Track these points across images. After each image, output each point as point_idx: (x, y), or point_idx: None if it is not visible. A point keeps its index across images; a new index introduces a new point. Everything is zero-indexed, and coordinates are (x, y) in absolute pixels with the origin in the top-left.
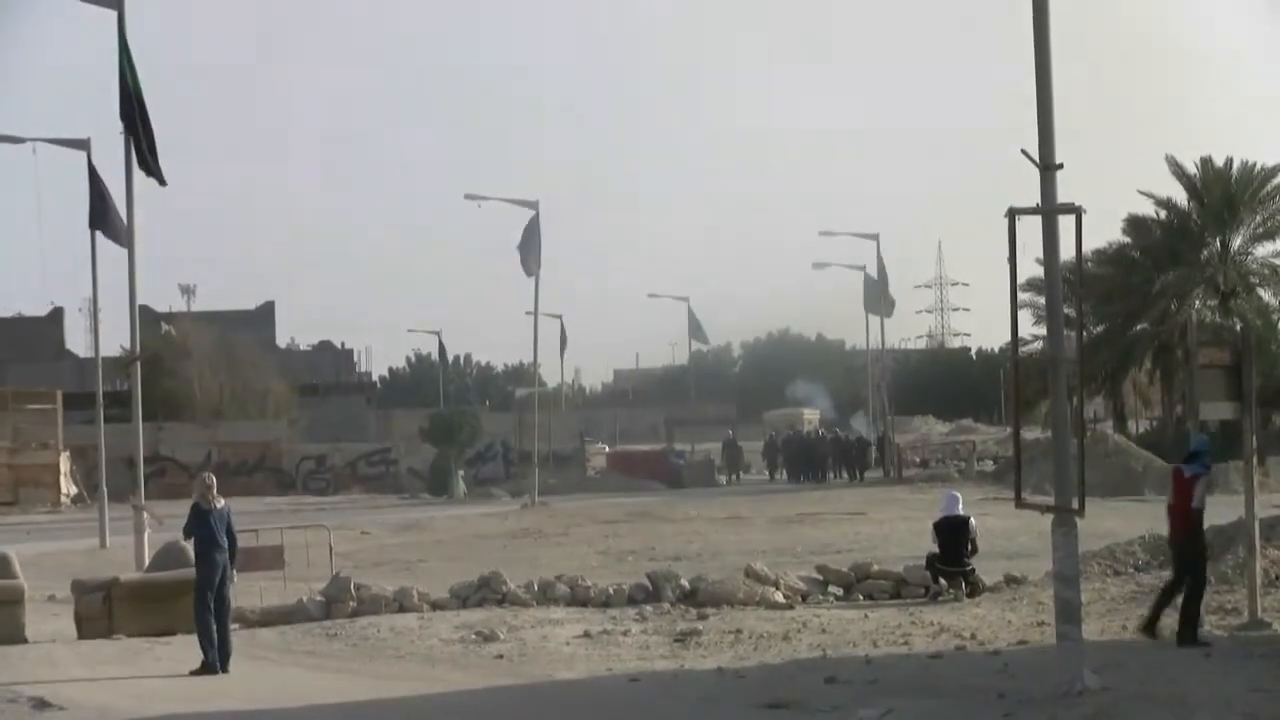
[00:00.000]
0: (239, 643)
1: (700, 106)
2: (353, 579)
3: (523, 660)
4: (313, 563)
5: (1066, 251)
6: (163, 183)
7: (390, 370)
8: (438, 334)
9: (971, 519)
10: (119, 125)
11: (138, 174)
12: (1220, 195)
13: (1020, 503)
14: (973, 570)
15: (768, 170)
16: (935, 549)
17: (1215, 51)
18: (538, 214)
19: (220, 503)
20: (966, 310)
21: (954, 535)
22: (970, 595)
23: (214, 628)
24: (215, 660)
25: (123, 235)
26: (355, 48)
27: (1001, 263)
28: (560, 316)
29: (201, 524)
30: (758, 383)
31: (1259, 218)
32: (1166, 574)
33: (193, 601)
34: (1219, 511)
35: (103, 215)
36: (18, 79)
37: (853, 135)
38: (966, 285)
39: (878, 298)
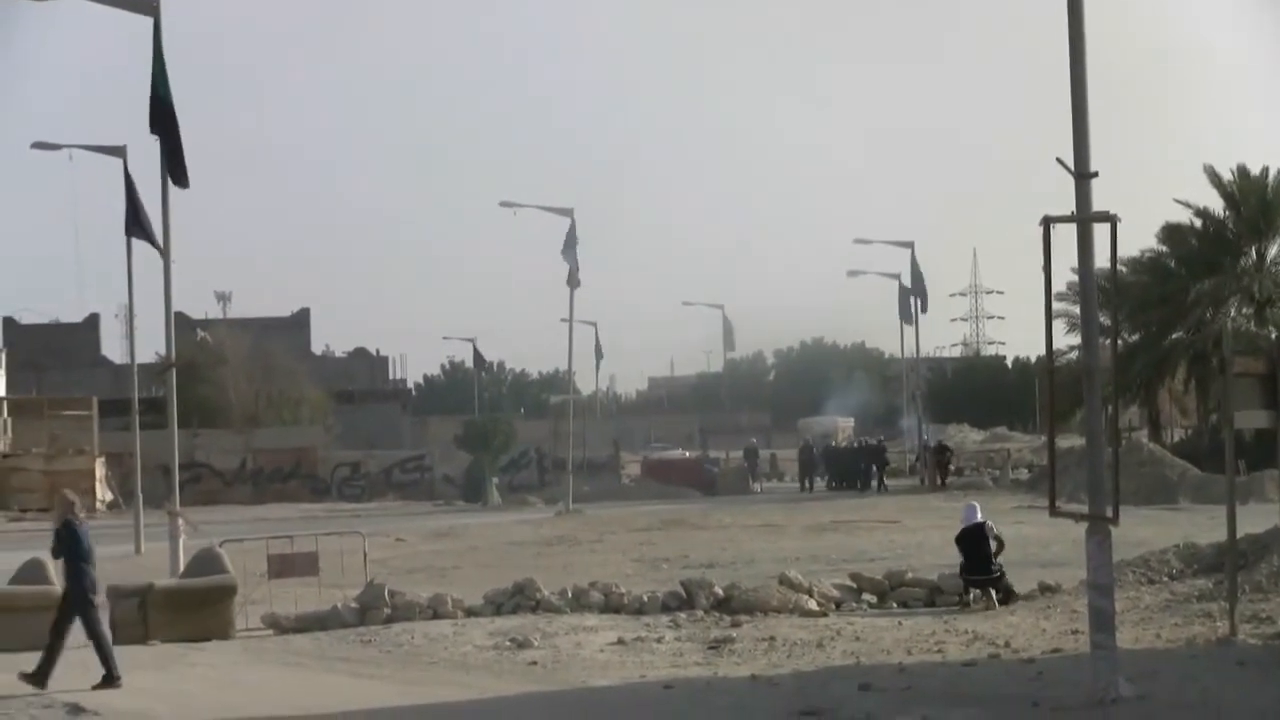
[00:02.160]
0: (274, 649)
1: (736, 114)
2: (387, 586)
3: (556, 667)
4: (347, 569)
5: (1102, 260)
6: (186, 186)
7: (425, 378)
8: (473, 341)
9: (987, 522)
10: (151, 131)
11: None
12: (1256, 204)
13: (1055, 511)
14: (1002, 575)
15: (802, 178)
16: (963, 561)
17: (1253, 57)
18: (574, 221)
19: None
20: (1001, 318)
21: (976, 544)
22: (1004, 602)
23: (107, 637)
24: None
25: (156, 240)
26: (392, 57)
27: (1037, 271)
28: (595, 324)
29: (77, 540)
30: (792, 391)
31: None
32: (1200, 582)
33: (83, 619)
34: (1253, 520)
35: (137, 221)
36: (55, 85)
37: (888, 143)
38: (1001, 293)
39: (911, 304)
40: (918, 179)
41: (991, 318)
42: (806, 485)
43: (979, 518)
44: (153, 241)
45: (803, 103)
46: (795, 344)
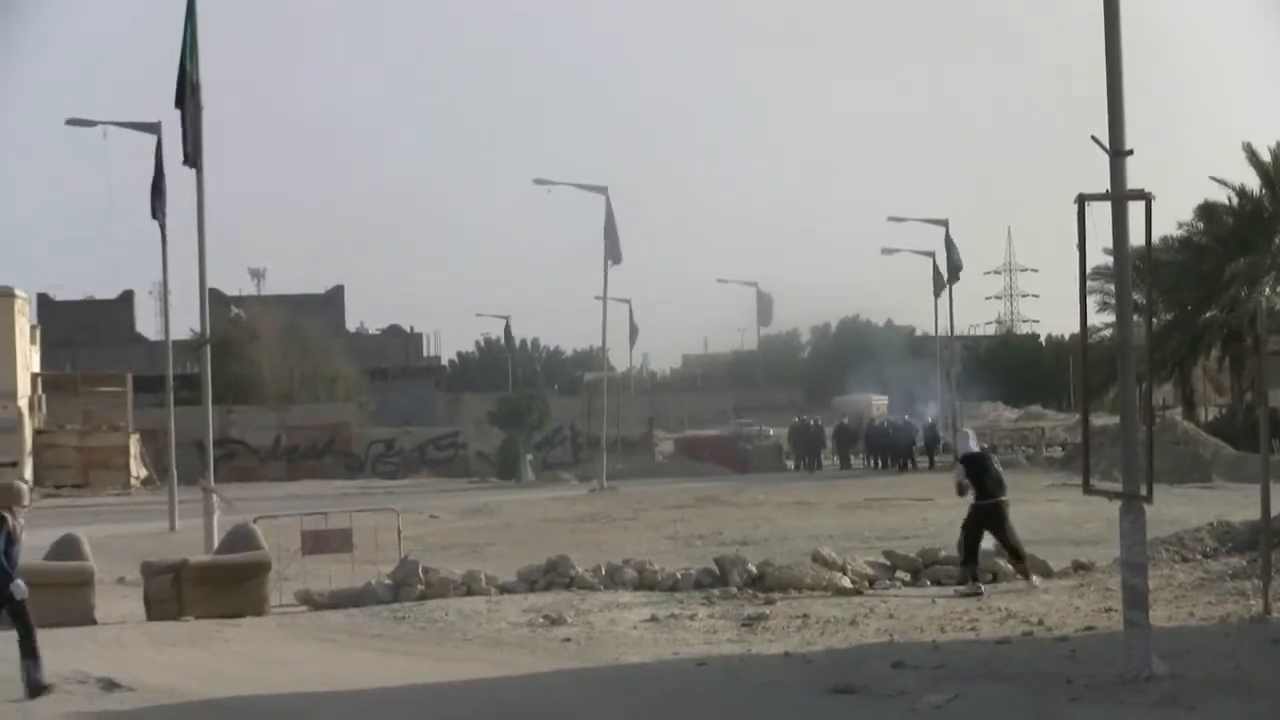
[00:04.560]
0: (308, 625)
1: (768, 90)
2: (421, 562)
3: (590, 644)
4: (381, 546)
5: (1136, 238)
6: (194, 166)
7: (459, 355)
8: (506, 319)
9: (988, 453)
10: (176, 107)
11: (207, 157)
12: None
13: (1088, 489)
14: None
15: (836, 156)
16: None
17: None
18: (608, 199)
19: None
20: (1036, 296)
21: (986, 469)
22: (1024, 575)
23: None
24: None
25: (159, 213)
26: (427, 31)
27: (1071, 249)
28: (629, 301)
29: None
30: (826, 368)
31: None
32: (1234, 560)
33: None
34: None
35: (159, 200)
36: (88, 60)
37: (922, 120)
38: (1036, 271)
39: (945, 282)
40: (953, 156)
41: (1026, 296)
42: (850, 464)
43: (974, 446)
44: (154, 214)
45: (836, 79)
46: (830, 321)
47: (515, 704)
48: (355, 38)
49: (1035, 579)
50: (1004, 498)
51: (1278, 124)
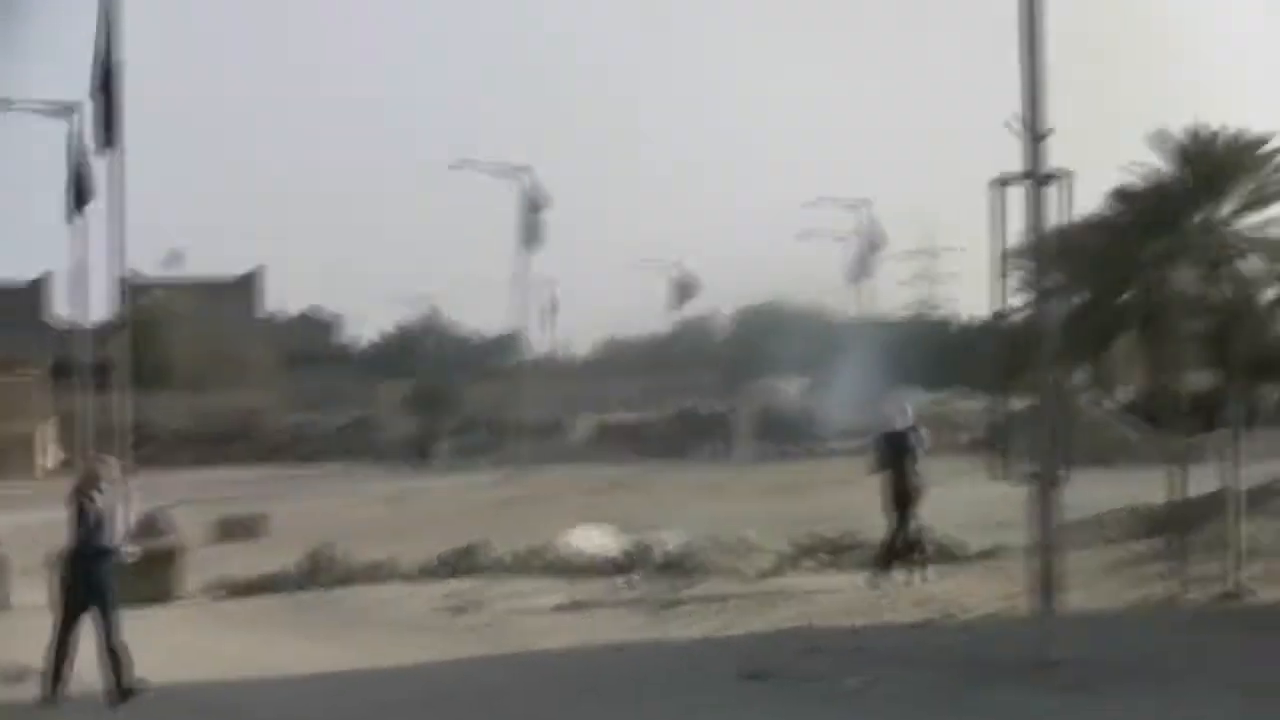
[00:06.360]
0: (223, 611)
1: (693, 64)
2: (336, 548)
3: (507, 629)
4: (295, 531)
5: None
6: (109, 150)
7: (377, 338)
8: (424, 303)
9: (919, 428)
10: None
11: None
12: (1208, 165)
13: (1000, 473)
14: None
15: (753, 136)
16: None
17: (1211, 17)
18: (532, 180)
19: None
20: (953, 276)
21: (900, 447)
22: (921, 564)
23: None
24: None
25: (87, 204)
26: (345, 12)
27: (988, 231)
28: (552, 285)
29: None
30: (743, 352)
31: (1249, 187)
32: (1149, 543)
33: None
34: (1202, 481)
35: (79, 184)
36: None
37: (841, 100)
38: (961, 250)
39: (860, 265)
40: (871, 138)
41: (941, 280)
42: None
43: (898, 424)
44: (77, 203)
45: (758, 57)
46: (745, 305)
47: (447, 688)
48: (273, 17)
49: (929, 572)
50: (915, 480)
51: (1194, 106)
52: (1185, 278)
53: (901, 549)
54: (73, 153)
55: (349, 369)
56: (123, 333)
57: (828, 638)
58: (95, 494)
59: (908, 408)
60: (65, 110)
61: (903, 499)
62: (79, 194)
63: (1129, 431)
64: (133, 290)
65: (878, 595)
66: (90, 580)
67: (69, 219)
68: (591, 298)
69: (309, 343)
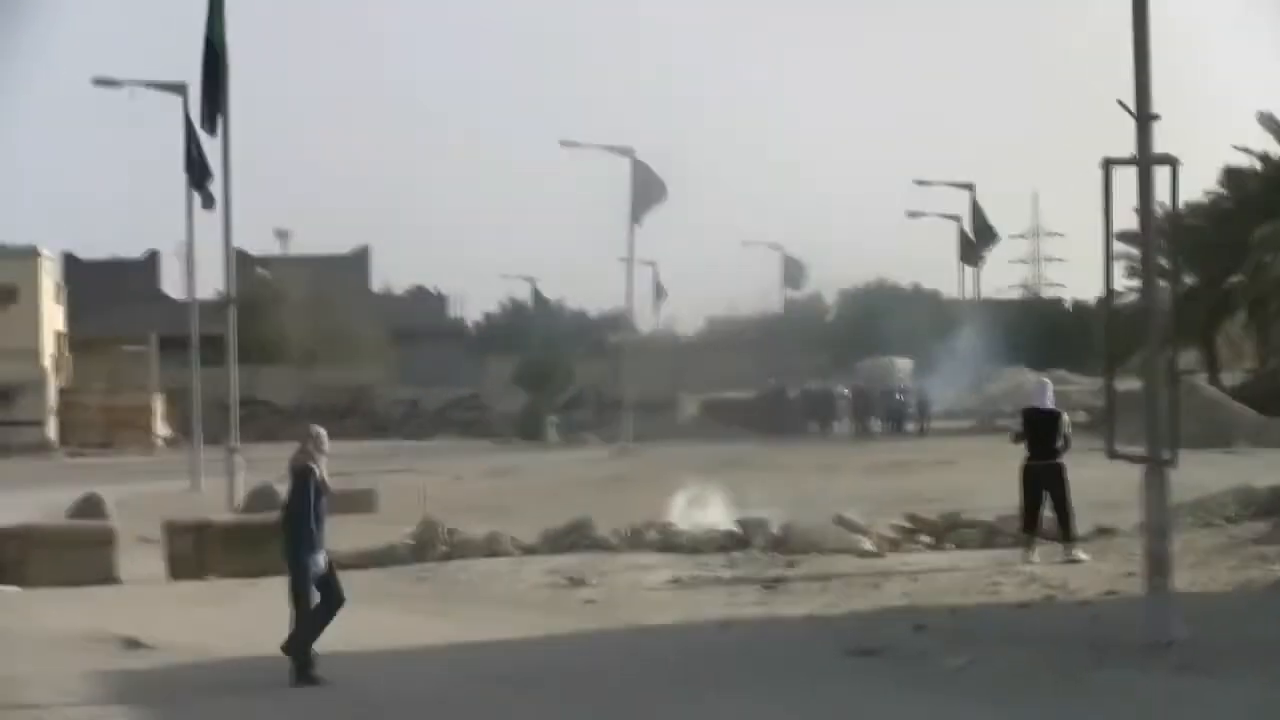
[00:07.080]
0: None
1: (797, 52)
2: (444, 523)
3: (612, 605)
4: (404, 507)
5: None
6: (213, 133)
7: (485, 316)
8: (532, 280)
9: (1064, 414)
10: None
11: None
12: None
13: (1112, 454)
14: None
15: (861, 118)
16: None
17: None
18: (635, 160)
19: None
20: (1061, 261)
21: (1044, 428)
22: (1067, 538)
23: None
24: None
25: (205, 185)
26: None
27: (1097, 214)
28: (654, 263)
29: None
30: (851, 332)
31: None
32: (1257, 525)
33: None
34: None
35: (195, 161)
36: (115, 21)
37: (949, 82)
38: (1062, 236)
39: (972, 247)
40: (979, 120)
41: (1051, 260)
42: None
43: (1050, 403)
44: (199, 187)
45: (860, 41)
46: (855, 285)
47: (556, 663)
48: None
49: (1078, 551)
50: (1057, 460)
51: None
52: None
53: (1043, 527)
54: (189, 133)
55: (459, 345)
56: (233, 308)
57: (933, 616)
58: (316, 464)
59: (1047, 383)
60: (177, 89)
61: (1042, 477)
62: (198, 172)
63: (1240, 414)
64: (246, 265)
65: (985, 574)
66: (310, 546)
67: (192, 198)
68: (699, 279)
69: (421, 319)
